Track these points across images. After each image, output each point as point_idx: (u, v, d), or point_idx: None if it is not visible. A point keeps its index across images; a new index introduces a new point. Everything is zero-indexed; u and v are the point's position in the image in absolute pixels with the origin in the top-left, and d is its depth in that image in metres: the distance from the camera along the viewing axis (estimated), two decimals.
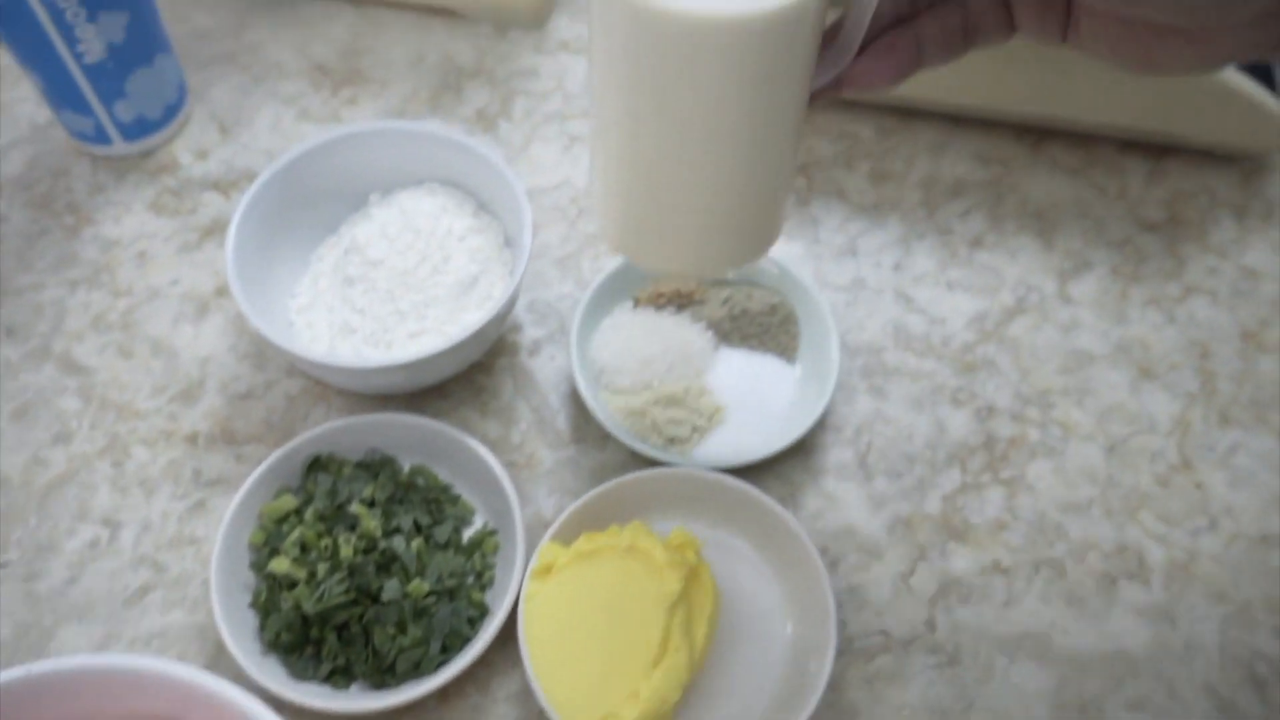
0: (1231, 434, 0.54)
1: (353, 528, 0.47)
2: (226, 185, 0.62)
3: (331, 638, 0.45)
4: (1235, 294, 0.58)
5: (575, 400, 0.54)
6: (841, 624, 0.48)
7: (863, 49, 0.35)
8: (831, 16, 0.34)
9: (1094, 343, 0.56)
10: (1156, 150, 0.64)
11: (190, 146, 0.64)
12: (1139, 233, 0.61)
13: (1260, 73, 0.60)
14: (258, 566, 0.47)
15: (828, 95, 0.36)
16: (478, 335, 0.49)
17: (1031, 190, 0.62)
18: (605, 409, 0.51)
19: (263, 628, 0.46)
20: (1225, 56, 0.32)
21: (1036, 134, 0.64)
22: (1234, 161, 0.63)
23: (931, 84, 0.62)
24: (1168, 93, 0.59)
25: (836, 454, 0.53)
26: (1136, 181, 0.63)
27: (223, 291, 0.58)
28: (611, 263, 0.55)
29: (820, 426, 0.53)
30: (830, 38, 0.35)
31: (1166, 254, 0.60)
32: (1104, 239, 0.60)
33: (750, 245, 0.39)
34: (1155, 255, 0.60)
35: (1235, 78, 0.58)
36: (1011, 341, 0.56)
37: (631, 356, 0.53)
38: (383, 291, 0.52)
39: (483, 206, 0.56)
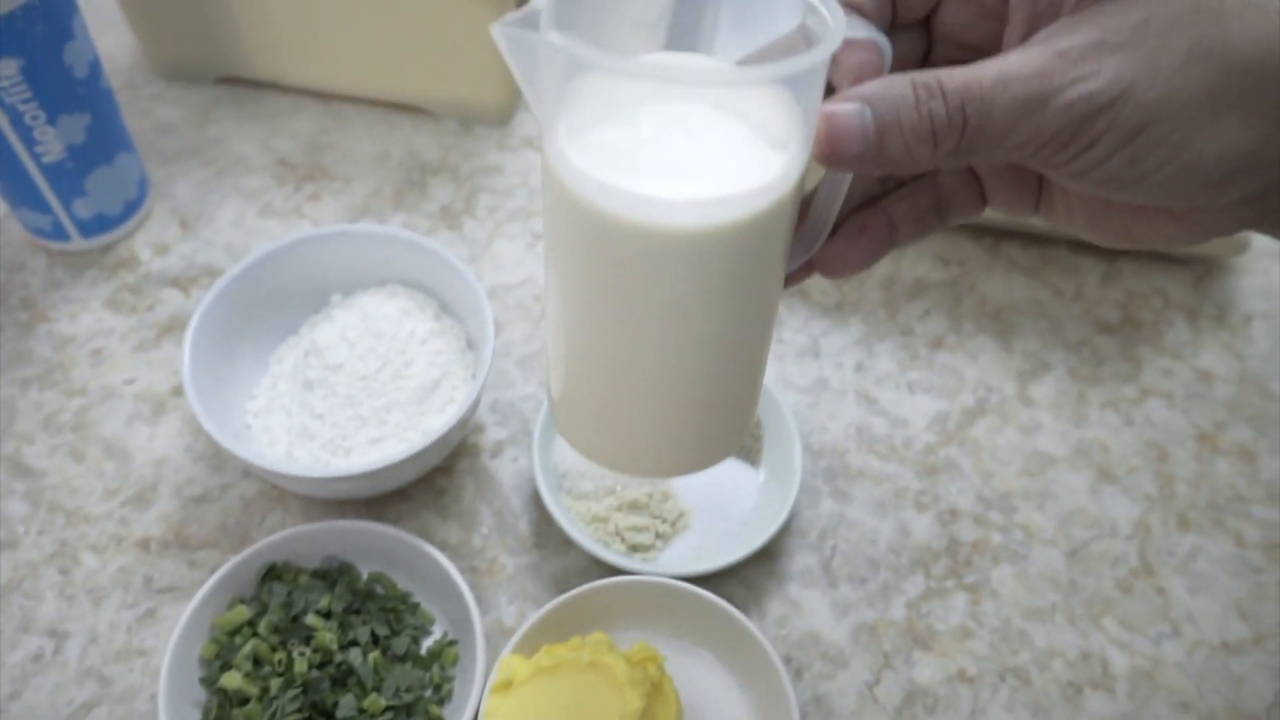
0: (1190, 538, 0.54)
1: (308, 640, 0.46)
2: (186, 282, 0.61)
3: None
4: (1190, 396, 0.59)
5: (538, 504, 0.53)
6: None
7: (834, 231, 0.34)
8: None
9: (1054, 445, 0.57)
10: (1110, 252, 0.65)
11: (150, 242, 0.63)
12: (1095, 334, 0.62)
13: None
14: (208, 681, 0.46)
15: (800, 279, 0.36)
16: (440, 441, 0.48)
17: (990, 290, 0.63)
18: (567, 514, 0.51)
19: None
20: (1210, 232, 0.32)
21: (994, 234, 0.66)
22: (1186, 264, 0.65)
23: None
24: None
25: (801, 559, 0.52)
26: (1091, 282, 0.64)
27: (180, 391, 0.57)
28: None
29: (784, 531, 0.53)
30: (800, 221, 0.34)
31: (1122, 356, 0.61)
32: (1061, 340, 0.61)
33: (717, 449, 0.36)
34: (1112, 357, 0.61)
35: None
36: (973, 443, 0.57)
37: None
38: (343, 396, 0.51)
39: (445, 308, 0.56)
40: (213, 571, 0.48)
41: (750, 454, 0.54)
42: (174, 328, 0.59)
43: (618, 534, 0.50)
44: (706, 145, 0.29)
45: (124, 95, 0.70)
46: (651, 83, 0.29)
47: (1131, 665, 0.50)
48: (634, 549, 0.50)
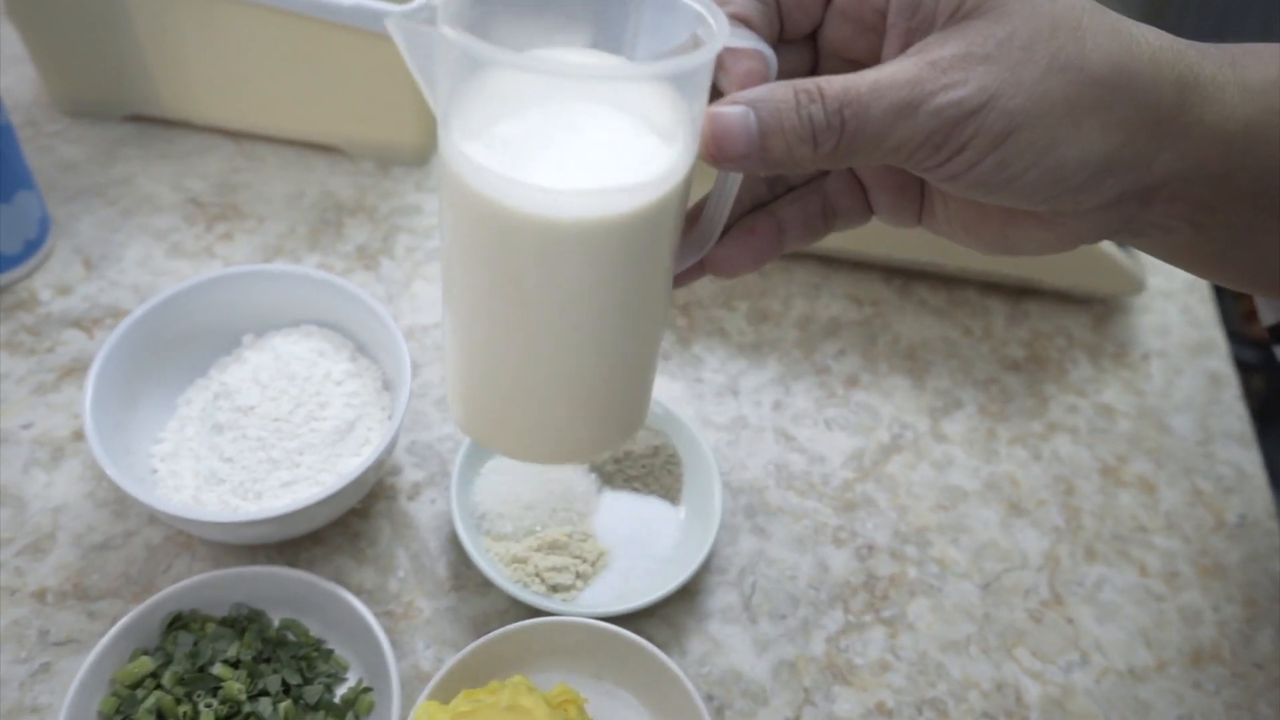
0: (1097, 569, 0.55)
1: (215, 691, 0.45)
2: (89, 323, 0.60)
3: None
4: (1093, 431, 0.61)
5: (455, 545, 0.52)
6: None
7: (724, 233, 0.36)
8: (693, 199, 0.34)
9: (966, 479, 0.58)
10: (1015, 292, 0.67)
11: (51, 282, 0.61)
12: (1003, 372, 0.63)
13: None
14: None
15: (691, 279, 0.37)
16: (355, 484, 0.47)
17: (902, 330, 0.65)
18: (486, 555, 0.50)
19: None
20: (1077, 239, 0.35)
21: (904, 276, 0.67)
22: (1087, 304, 0.67)
23: None
24: None
25: (721, 596, 0.52)
26: (999, 322, 0.66)
27: (80, 435, 0.55)
28: None
29: (705, 569, 0.53)
30: (692, 223, 0.36)
31: (1029, 393, 0.63)
32: (971, 378, 0.63)
33: (611, 436, 0.37)
34: (1019, 394, 0.62)
35: None
36: (889, 479, 0.58)
37: (514, 501, 0.52)
38: (254, 439, 0.50)
39: (360, 349, 0.55)
40: (114, 622, 0.46)
41: (670, 492, 0.54)
42: (75, 370, 0.57)
43: (537, 574, 0.50)
44: (597, 141, 0.30)
45: (25, 132, 0.68)
46: (542, 77, 0.30)
47: (1044, 694, 0.51)
48: (554, 589, 0.50)
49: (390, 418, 0.52)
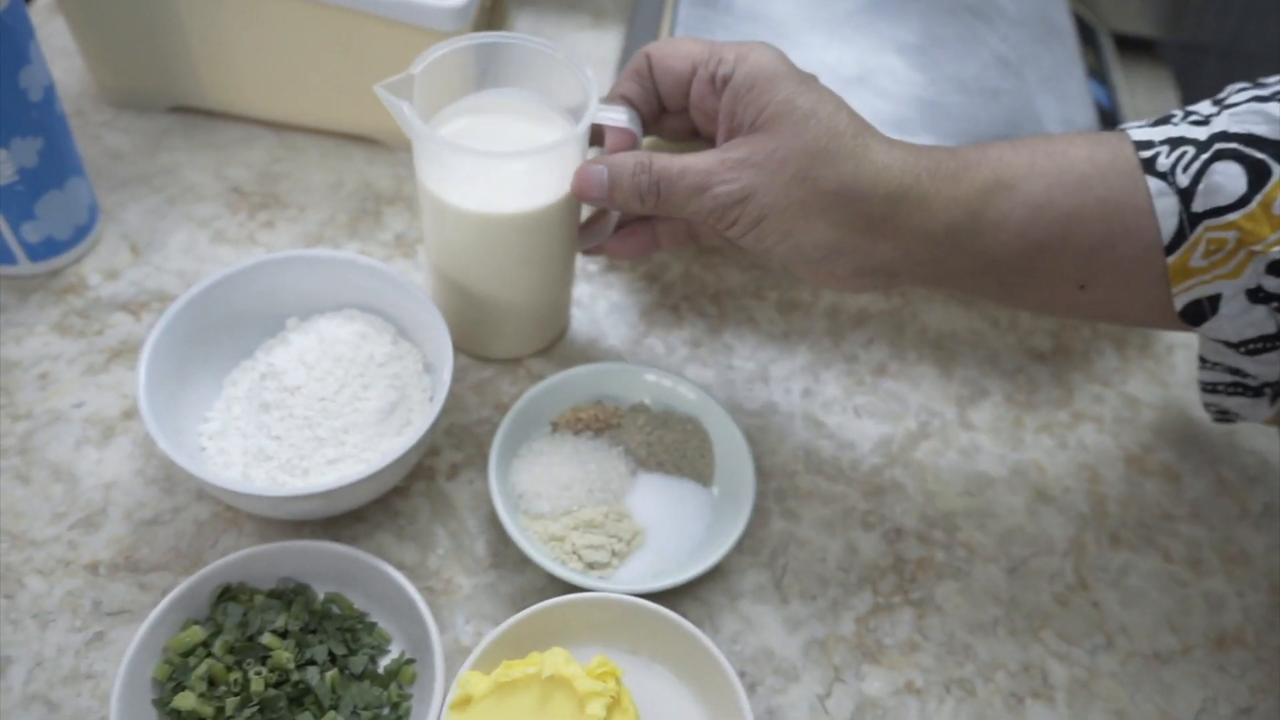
0: (1122, 555, 0.56)
1: (264, 660, 0.46)
2: (137, 306, 0.61)
3: None
4: (1119, 421, 0.62)
5: (493, 525, 0.54)
6: None
7: (618, 229, 0.57)
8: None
9: (993, 466, 0.59)
10: None
11: (100, 267, 0.63)
12: (1029, 362, 0.64)
13: None
14: (161, 703, 0.45)
15: (596, 252, 0.58)
16: (399, 462, 0.49)
17: (930, 320, 0.66)
18: (525, 534, 0.51)
19: None
20: (848, 288, 0.50)
21: None
22: None
23: None
24: None
25: (753, 576, 0.53)
26: (1025, 314, 0.67)
27: (130, 414, 0.56)
28: (530, 388, 0.56)
29: (737, 550, 0.54)
30: (595, 221, 0.57)
31: (1055, 383, 0.64)
32: (998, 368, 0.64)
33: (542, 339, 0.61)
34: (1045, 384, 0.63)
35: None
36: (917, 465, 0.59)
37: (551, 481, 0.53)
38: (300, 418, 0.51)
39: (401, 333, 0.57)
40: (164, 594, 0.47)
41: (703, 475, 0.55)
42: (124, 352, 0.59)
43: (574, 552, 0.51)
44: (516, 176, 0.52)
45: (73, 121, 0.69)
46: (471, 156, 0.50)
47: (1070, 676, 0.52)
48: (590, 566, 0.51)
49: (431, 399, 0.54)
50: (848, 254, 0.47)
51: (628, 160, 0.49)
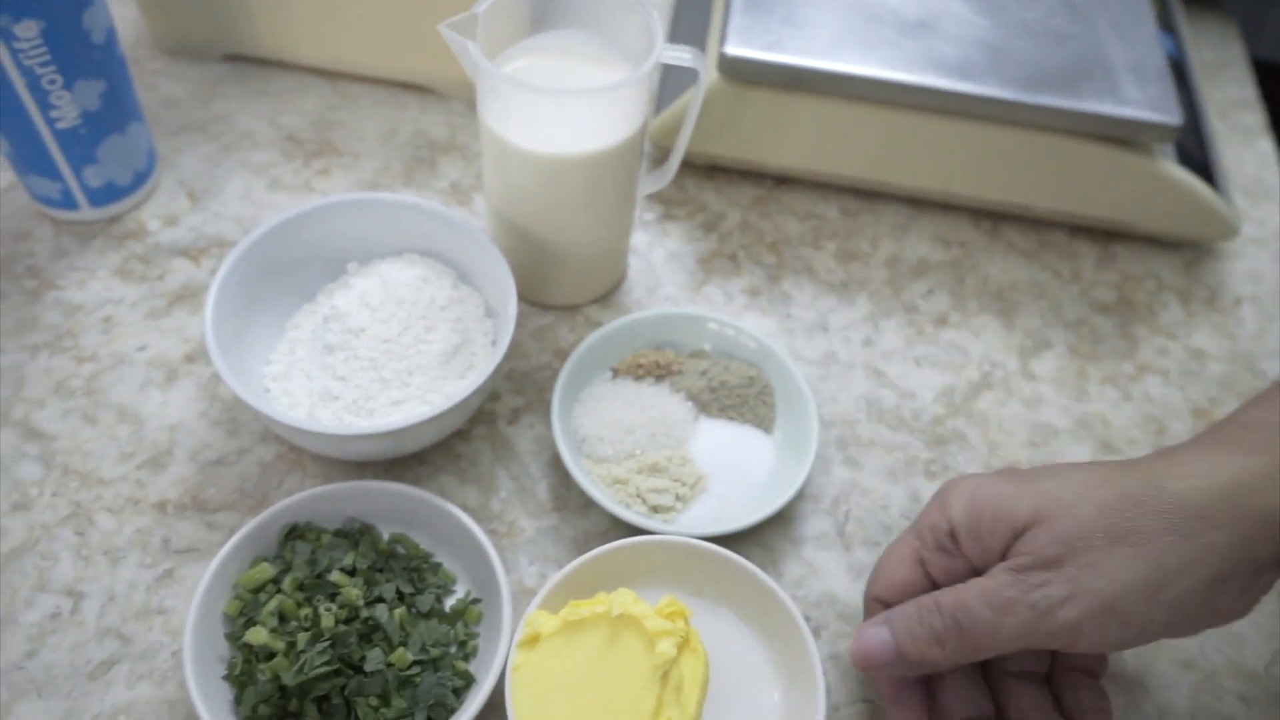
0: None
1: (333, 597, 0.46)
2: (196, 252, 0.61)
3: (312, 710, 0.43)
4: (1185, 374, 0.61)
5: (555, 469, 0.54)
6: (827, 691, 0.48)
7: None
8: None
9: (1057, 417, 0.58)
10: (1104, 236, 0.67)
11: (159, 213, 0.63)
12: (1092, 314, 0.63)
13: (1201, 168, 0.64)
14: (233, 637, 0.46)
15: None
16: (464, 404, 0.49)
17: (991, 271, 0.65)
18: (589, 476, 0.51)
19: (239, 701, 0.44)
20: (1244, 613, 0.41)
21: (992, 218, 0.67)
22: (1177, 249, 0.67)
23: (892, 168, 0.64)
24: (1115, 184, 0.63)
25: (816, 523, 0.53)
26: (1087, 265, 0.66)
27: (192, 358, 0.57)
28: (590, 334, 0.56)
29: (800, 496, 0.54)
30: (658, 164, 0.59)
31: (1119, 335, 0.63)
32: (1061, 319, 0.63)
33: (600, 289, 0.61)
34: (1109, 336, 0.62)
35: (1179, 172, 0.62)
36: (980, 415, 0.58)
37: (614, 425, 0.53)
38: (365, 359, 0.51)
39: (462, 277, 0.56)
40: (232, 533, 0.48)
41: (764, 421, 0.55)
42: (184, 297, 0.59)
43: (638, 495, 0.51)
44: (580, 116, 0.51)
45: (132, 69, 0.70)
46: (537, 93, 0.49)
47: None
48: (654, 510, 0.51)
49: (494, 343, 0.54)
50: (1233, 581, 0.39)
51: (909, 608, 0.42)
